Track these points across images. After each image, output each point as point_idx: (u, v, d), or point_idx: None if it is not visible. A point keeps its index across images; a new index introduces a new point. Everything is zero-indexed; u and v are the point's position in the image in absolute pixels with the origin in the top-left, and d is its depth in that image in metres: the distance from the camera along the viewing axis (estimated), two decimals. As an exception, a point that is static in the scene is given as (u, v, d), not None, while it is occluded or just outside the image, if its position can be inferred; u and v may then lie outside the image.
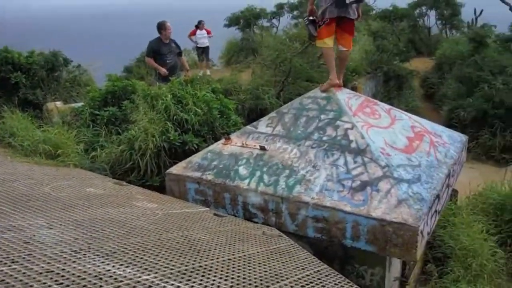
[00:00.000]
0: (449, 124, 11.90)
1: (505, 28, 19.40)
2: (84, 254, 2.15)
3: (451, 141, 5.33)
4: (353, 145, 4.20)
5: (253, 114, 8.21)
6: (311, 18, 4.96)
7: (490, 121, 11.39)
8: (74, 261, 2.03)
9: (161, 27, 7.99)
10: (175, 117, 5.57)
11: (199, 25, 14.97)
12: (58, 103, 7.64)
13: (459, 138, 5.63)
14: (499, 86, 11.56)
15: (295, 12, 20.09)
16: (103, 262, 2.07)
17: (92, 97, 6.31)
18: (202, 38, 14.83)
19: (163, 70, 7.75)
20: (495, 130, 11.25)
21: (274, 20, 20.50)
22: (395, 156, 4.22)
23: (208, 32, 15.01)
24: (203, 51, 15.16)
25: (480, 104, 11.59)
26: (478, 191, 6.93)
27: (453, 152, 5.04)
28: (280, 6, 20.37)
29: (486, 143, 11.26)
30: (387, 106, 5.39)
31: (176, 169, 4.54)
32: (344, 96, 4.89)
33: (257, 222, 3.98)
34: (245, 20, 18.89)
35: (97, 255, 2.17)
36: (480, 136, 11.34)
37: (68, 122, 6.31)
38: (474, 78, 12.66)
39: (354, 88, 10.46)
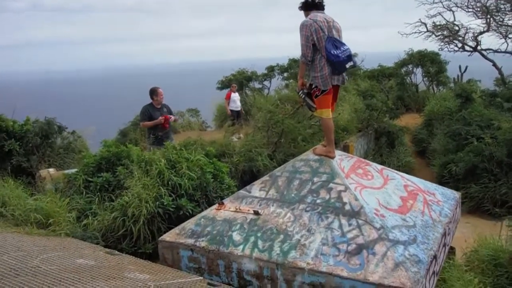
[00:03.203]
0: (441, 179, 11.98)
1: (489, 82, 20.01)
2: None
3: (444, 199, 5.33)
4: (347, 207, 4.19)
5: (246, 176, 8.23)
6: (305, 91, 4.95)
7: (481, 175, 11.44)
8: None
9: (153, 93, 8.22)
10: (169, 182, 5.58)
11: (231, 88, 15.16)
12: (51, 170, 7.64)
13: (453, 195, 5.64)
14: (488, 141, 11.70)
15: (285, 74, 20.63)
16: None
17: (86, 163, 6.31)
18: (237, 101, 14.92)
19: (160, 120, 7.93)
20: (487, 184, 11.28)
21: (265, 82, 21.00)
22: (390, 217, 4.21)
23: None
24: (238, 115, 15.18)
25: (471, 158, 11.68)
26: (473, 248, 6.88)
27: (447, 210, 5.03)
28: (271, 69, 20.92)
29: (479, 197, 11.24)
30: (379, 166, 5.43)
31: (169, 236, 4.48)
32: (336, 158, 4.93)
33: (252, 290, 3.90)
34: (237, 82, 19.37)
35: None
36: (472, 190, 11.34)
37: (61, 189, 6.27)
38: (463, 133, 12.84)
39: (346, 147, 10.57)
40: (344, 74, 4.93)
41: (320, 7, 4.89)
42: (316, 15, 4.78)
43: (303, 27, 4.72)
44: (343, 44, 4.72)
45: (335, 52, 4.61)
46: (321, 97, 4.82)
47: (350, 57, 4.71)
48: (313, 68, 4.81)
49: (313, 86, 4.85)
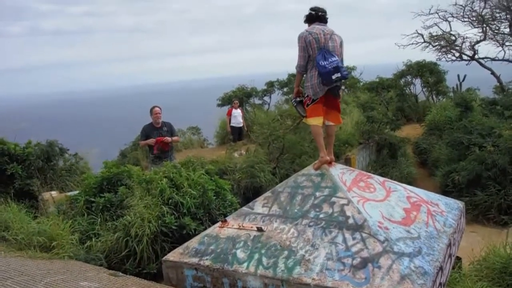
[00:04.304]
0: (444, 189, 11.96)
1: (488, 91, 20.08)
2: None
3: (448, 209, 5.30)
4: (350, 221, 4.17)
5: (249, 192, 8.23)
6: (298, 99, 5.17)
7: (485, 183, 11.43)
8: None
9: (150, 112, 8.28)
10: (170, 200, 5.57)
11: (233, 104, 15.29)
12: (54, 193, 7.64)
13: (456, 205, 5.61)
14: (490, 148, 11.72)
15: (285, 89, 20.70)
16: None
17: (87, 184, 6.32)
18: (238, 117, 15.00)
19: (152, 141, 7.99)
20: (491, 191, 11.26)
21: (265, 98, 21.07)
22: (394, 230, 4.18)
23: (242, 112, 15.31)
24: (240, 131, 15.21)
25: (474, 167, 11.68)
26: (482, 256, 6.85)
27: (451, 220, 5.00)
28: (270, 84, 21.01)
29: (483, 206, 11.21)
30: (381, 178, 5.42)
31: (172, 255, 4.46)
32: (337, 171, 4.93)
33: (258, 308, 3.86)
34: (237, 99, 19.42)
35: None
36: (476, 198, 11.31)
37: (64, 211, 6.27)
38: (465, 141, 12.85)
39: (348, 160, 10.58)
40: (339, 85, 5.04)
41: (322, 19, 5.07)
42: (314, 27, 4.97)
43: (299, 38, 4.94)
44: (332, 56, 4.83)
45: (323, 63, 4.75)
46: (311, 106, 4.98)
47: (337, 68, 4.79)
48: (306, 78, 5.02)
49: (305, 95, 5.05)
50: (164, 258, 4.51)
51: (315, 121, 5.01)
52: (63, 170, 9.09)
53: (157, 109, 8.34)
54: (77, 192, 6.71)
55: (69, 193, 7.17)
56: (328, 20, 5.13)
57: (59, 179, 8.78)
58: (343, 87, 21.41)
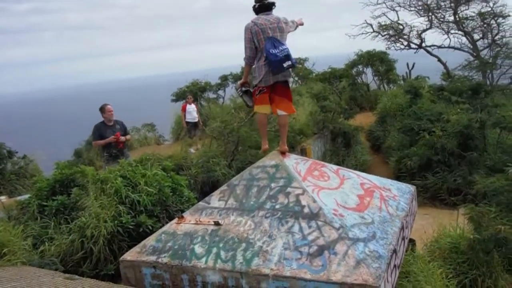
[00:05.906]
0: (398, 174, 12.32)
1: (436, 77, 20.80)
2: None
3: (400, 193, 5.48)
4: (306, 210, 4.24)
5: (206, 187, 8.20)
6: (243, 89, 5.32)
7: (435, 167, 11.86)
8: None
9: (102, 110, 8.08)
10: (126, 199, 5.47)
11: (186, 99, 15.08)
12: (3, 198, 7.37)
13: (408, 189, 5.80)
14: (439, 133, 12.15)
15: (238, 82, 20.66)
16: None
17: (39, 187, 6.10)
18: (193, 112, 14.80)
19: (113, 138, 7.78)
20: (441, 174, 11.70)
21: (219, 91, 20.99)
22: (348, 216, 4.28)
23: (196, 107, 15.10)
24: (195, 126, 15.06)
25: (424, 151, 12.08)
26: (434, 238, 7.12)
27: (403, 204, 5.17)
28: (224, 78, 20.95)
29: (434, 188, 11.64)
30: (335, 167, 5.53)
31: (130, 255, 4.40)
32: (292, 162, 4.99)
33: (218, 302, 3.87)
34: (191, 94, 19.24)
35: None
36: (428, 182, 11.73)
37: (15, 216, 6.04)
38: (415, 127, 13.28)
39: (303, 150, 10.69)
40: (288, 72, 5.14)
41: (266, 8, 5.10)
42: (259, 17, 5.03)
43: (245, 30, 5.00)
44: (282, 44, 4.91)
45: (274, 51, 4.81)
46: (259, 96, 5.11)
47: (288, 56, 4.88)
48: (254, 68, 5.10)
49: (254, 85, 5.15)
50: (121, 258, 4.44)
51: (263, 109, 5.16)
52: (12, 174, 8.77)
53: (109, 107, 8.14)
54: (27, 196, 6.48)
55: (19, 198, 6.92)
56: (277, 5, 5.16)
57: (8, 183, 8.47)
58: (296, 78, 21.66)
